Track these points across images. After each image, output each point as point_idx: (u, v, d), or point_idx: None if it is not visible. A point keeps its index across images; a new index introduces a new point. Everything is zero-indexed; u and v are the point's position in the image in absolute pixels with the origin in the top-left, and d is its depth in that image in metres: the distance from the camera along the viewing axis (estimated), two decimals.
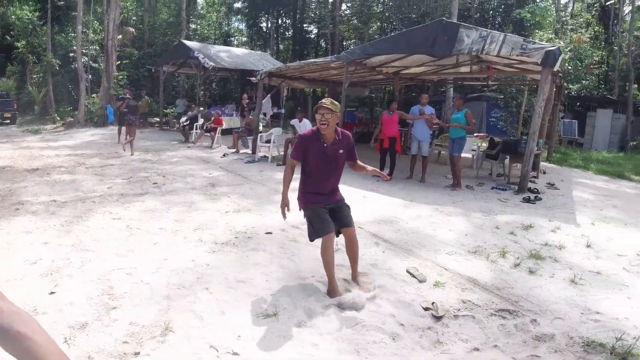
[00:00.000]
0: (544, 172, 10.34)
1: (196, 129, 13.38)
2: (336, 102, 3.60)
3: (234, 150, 11.51)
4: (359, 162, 3.83)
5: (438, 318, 3.33)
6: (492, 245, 5.03)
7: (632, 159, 13.84)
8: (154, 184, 7.33)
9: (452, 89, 15.67)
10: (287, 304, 3.35)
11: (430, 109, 8.78)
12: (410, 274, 4.09)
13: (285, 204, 3.63)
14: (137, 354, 2.67)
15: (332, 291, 3.51)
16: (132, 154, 10.67)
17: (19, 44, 22.41)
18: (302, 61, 11.94)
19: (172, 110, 19.30)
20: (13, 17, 22.35)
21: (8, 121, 20.55)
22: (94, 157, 10.50)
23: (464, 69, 10.86)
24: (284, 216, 3.67)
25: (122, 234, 4.82)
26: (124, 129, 12.33)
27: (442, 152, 11.28)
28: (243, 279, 3.69)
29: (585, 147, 17.49)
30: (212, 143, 12.42)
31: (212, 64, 14.94)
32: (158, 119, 18.89)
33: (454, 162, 8.24)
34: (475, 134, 10.69)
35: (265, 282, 3.67)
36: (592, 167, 12.00)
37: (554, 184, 8.95)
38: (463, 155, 8.65)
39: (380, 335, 3.00)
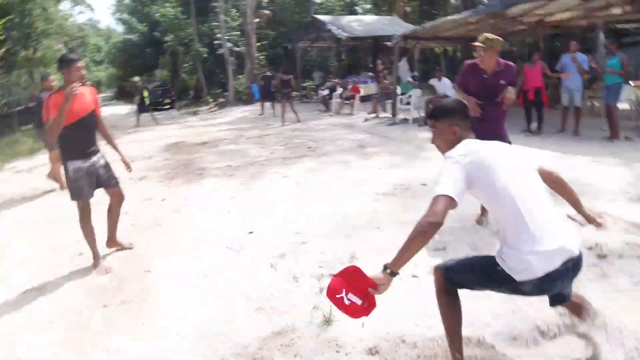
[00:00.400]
0: None
1: (335, 97, 14.07)
2: (492, 37, 3.77)
3: (374, 115, 11.93)
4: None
5: (602, 257, 3.36)
6: None
7: None
8: (308, 148, 8.09)
9: (602, 35, 13.95)
10: (451, 240, 3.67)
11: (583, 56, 8.11)
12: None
13: (473, 103, 3.81)
14: (331, 275, 3.22)
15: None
16: (282, 124, 11.77)
17: (167, 38, 25.52)
18: (437, 20, 11.74)
19: (310, 83, 20.38)
20: (157, 14, 25.48)
21: (168, 107, 23.79)
22: (251, 129, 11.78)
23: (616, 11, 9.63)
24: (476, 112, 3.81)
25: (293, 188, 5.55)
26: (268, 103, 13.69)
27: (595, 103, 10.31)
28: (408, 220, 4.07)
29: None
30: (352, 109, 12.98)
31: (345, 34, 15.41)
32: (297, 93, 20.18)
33: (610, 111, 7.58)
34: (633, 83, 9.57)
35: None
36: None
37: None
38: (620, 106, 7.91)
39: None
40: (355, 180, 5.60)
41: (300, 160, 7.08)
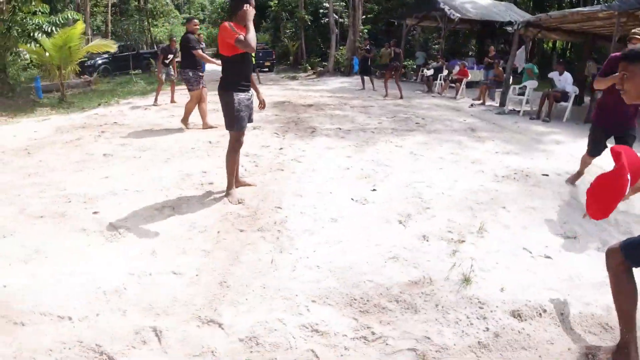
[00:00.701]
0: None
1: (440, 79, 13.78)
2: None
3: (480, 101, 11.58)
4: None
5: None
6: None
7: None
8: (416, 123, 8.09)
9: None
10: (582, 231, 3.60)
11: None
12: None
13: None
14: (462, 241, 3.32)
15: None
16: (385, 97, 11.81)
17: (272, 3, 26.01)
18: (565, 10, 11.00)
19: (411, 63, 20.05)
20: None
21: (267, 69, 24.45)
22: (353, 99, 11.91)
23: None
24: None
25: (409, 158, 5.64)
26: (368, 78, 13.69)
27: None
28: (534, 207, 4.05)
29: None
30: (457, 94, 12.68)
31: (458, 15, 14.90)
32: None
33: None
34: None
35: (555, 213, 3.96)
36: None
37: None
38: None
39: None
40: (472, 160, 5.57)
41: (410, 134, 7.12)
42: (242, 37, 3.55)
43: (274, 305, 2.56)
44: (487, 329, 2.40)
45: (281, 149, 6.10)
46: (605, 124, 4.31)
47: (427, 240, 3.33)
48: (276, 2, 26.33)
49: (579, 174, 4.76)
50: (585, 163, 4.65)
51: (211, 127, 7.26)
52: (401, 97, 11.85)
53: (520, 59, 12.02)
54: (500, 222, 3.69)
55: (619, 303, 2.13)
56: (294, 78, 20.63)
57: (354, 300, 2.63)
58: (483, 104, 11.39)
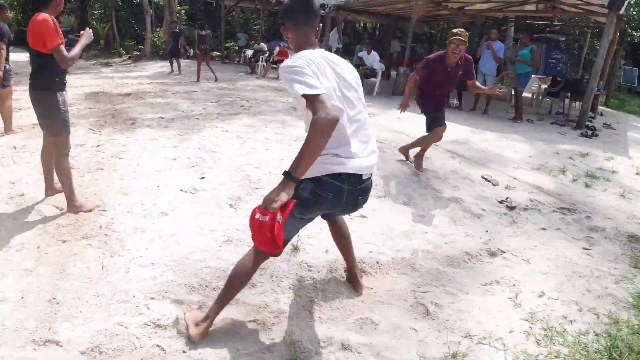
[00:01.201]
0: (601, 114, 10.63)
1: (262, 61, 14.10)
2: (466, 33, 4.46)
3: None
4: (476, 82, 4.71)
5: (511, 208, 4.15)
6: (553, 165, 5.72)
7: None
8: (241, 106, 8.24)
9: (512, 28, 15.55)
10: (390, 191, 4.24)
11: (500, 44, 9.12)
12: (485, 178, 4.88)
13: (404, 105, 4.90)
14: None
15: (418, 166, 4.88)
16: (197, 81, 11.66)
17: None
18: None
19: (232, 44, 19.98)
20: None
21: None
22: (175, 85, 11.49)
23: (529, 7, 10.94)
24: (402, 111, 4.95)
25: (236, 141, 5.77)
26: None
27: (503, 88, 11.62)
28: None
29: None
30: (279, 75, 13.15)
31: None
32: (219, 53, 19.69)
33: (517, 96, 8.73)
34: (533, 76, 10.96)
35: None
36: None
37: (610, 124, 9.30)
38: (524, 94, 9.13)
39: (467, 213, 3.86)
40: (295, 137, 5.96)
41: (236, 117, 7.26)
42: (64, 51, 3.29)
43: (112, 310, 2.50)
44: (316, 287, 2.73)
45: (99, 145, 5.66)
46: (431, 104, 4.86)
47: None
48: None
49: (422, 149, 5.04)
50: (436, 136, 4.82)
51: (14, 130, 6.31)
52: (216, 80, 11.80)
53: (334, 40, 12.99)
54: None
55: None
56: (107, 64, 18.84)
57: (193, 289, 2.71)
58: None
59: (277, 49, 14.08)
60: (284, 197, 1.81)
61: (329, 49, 12.37)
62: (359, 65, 10.96)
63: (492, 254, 3.31)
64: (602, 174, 5.61)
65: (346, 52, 16.78)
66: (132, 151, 5.40)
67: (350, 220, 3.58)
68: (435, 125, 4.72)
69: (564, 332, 2.50)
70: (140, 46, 21.19)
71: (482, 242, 3.50)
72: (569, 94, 9.85)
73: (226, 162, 4.92)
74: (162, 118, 7.26)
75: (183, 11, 21.02)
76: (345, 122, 1.98)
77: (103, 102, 8.90)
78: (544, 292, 2.85)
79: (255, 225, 1.96)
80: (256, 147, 5.50)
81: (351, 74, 2.17)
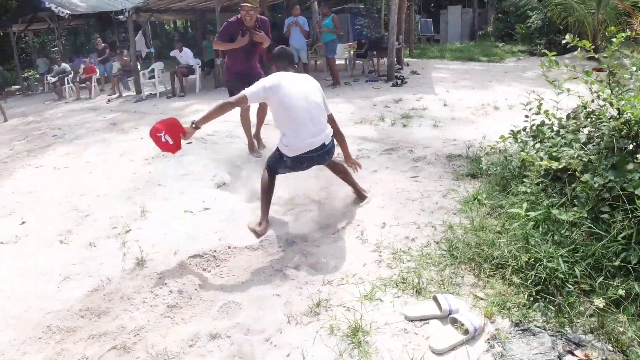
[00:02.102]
0: (407, 65, 11.87)
1: (68, 83, 12.73)
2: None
3: (116, 95, 11.38)
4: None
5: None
6: (372, 116, 6.27)
7: (480, 45, 16.14)
8: (53, 136, 7.36)
9: (316, 3, 16.39)
10: (229, 178, 4.21)
11: (303, 19, 9.55)
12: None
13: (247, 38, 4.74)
14: (128, 230, 3.38)
15: (250, 145, 4.97)
16: (5, 120, 10.13)
17: None
18: None
19: (32, 73, 17.63)
20: None
21: None
22: None
23: None
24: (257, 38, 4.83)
25: (54, 174, 5.15)
26: None
27: (317, 61, 12.27)
28: (186, 173, 4.44)
29: (442, 42, 19.60)
30: (91, 93, 12.05)
31: (67, 11, 13.84)
32: (19, 86, 17.23)
33: (330, 63, 9.30)
34: (345, 44, 11.78)
35: (205, 170, 4.46)
36: (447, 55, 14.01)
37: (416, 71, 10.48)
38: (338, 62, 9.75)
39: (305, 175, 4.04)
40: (120, 152, 5.56)
41: (50, 149, 6.46)
42: None
43: None
44: (171, 291, 2.61)
45: None
46: (236, 78, 4.86)
47: (95, 246, 3.25)
48: None
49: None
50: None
51: None
52: (5, 120, 10.20)
53: (141, 45, 12.27)
54: (160, 197, 3.93)
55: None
56: None
57: (39, 339, 2.39)
58: (120, 96, 11.26)
59: (82, 66, 12.83)
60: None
61: (139, 55, 11.72)
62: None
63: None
64: (415, 112, 6.32)
65: (160, 56, 16.03)
66: None
67: (194, 216, 3.50)
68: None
69: (408, 250, 2.77)
70: None
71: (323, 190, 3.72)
72: (374, 52, 10.80)
73: (47, 198, 4.36)
74: None
75: None
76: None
77: None
78: (385, 223, 3.13)
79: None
80: (78, 175, 4.98)
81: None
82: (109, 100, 10.83)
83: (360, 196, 3.58)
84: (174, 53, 10.58)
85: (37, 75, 17.17)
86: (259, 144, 5.08)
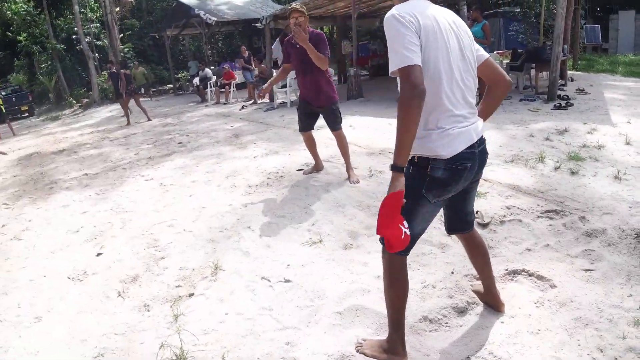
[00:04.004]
0: (572, 80, 9.86)
1: (211, 87, 13.24)
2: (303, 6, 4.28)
3: (251, 101, 11.40)
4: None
5: (484, 225, 3.27)
6: (528, 152, 4.88)
7: None
8: (178, 143, 7.35)
9: (465, 6, 14.87)
10: (330, 230, 3.35)
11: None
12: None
13: (262, 90, 4.69)
14: (191, 295, 2.72)
15: (317, 165, 4.72)
16: (148, 119, 10.75)
17: (20, 37, 22.21)
18: None
19: (184, 74, 19.14)
20: (9, 12, 22.14)
21: (27, 114, 20.58)
22: (117, 130, 10.58)
23: None
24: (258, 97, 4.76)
25: (157, 192, 4.87)
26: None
27: None
28: (283, 214, 3.70)
29: (611, 52, 16.61)
30: (228, 98, 12.32)
31: (214, 18, 14.52)
32: (171, 85, 18.81)
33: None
34: (495, 52, 10.23)
35: (305, 214, 3.67)
36: (620, 70, 11.53)
37: (583, 89, 8.52)
38: None
39: (428, 247, 2.98)
40: (227, 174, 5.08)
41: (168, 159, 6.36)
42: None
43: None
44: None
45: (3, 226, 4.75)
46: (302, 99, 4.60)
47: (148, 310, 2.66)
48: (25, 35, 22.32)
49: (315, 162, 4.76)
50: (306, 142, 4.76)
51: None
52: (148, 120, 10.82)
53: (278, 52, 12.16)
54: (241, 249, 3.21)
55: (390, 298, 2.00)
56: (56, 118, 17.88)
57: None
58: (255, 103, 11.23)
59: (225, 70, 13.24)
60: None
61: (275, 62, 11.56)
62: None
63: (461, 312, 2.39)
64: (588, 152, 4.78)
65: None
66: (36, 227, 4.51)
67: (271, 289, 2.70)
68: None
69: None
70: (90, 92, 20.22)
71: (447, 295, 2.56)
72: (533, 65, 9.08)
73: (136, 224, 4.01)
74: (87, 175, 6.35)
75: (127, 49, 20.11)
76: None
77: (32, 166, 7.99)
78: None
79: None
80: (178, 196, 4.60)
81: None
82: (243, 107, 10.85)
83: (493, 303, 2.34)
84: None
85: (189, 77, 18.49)
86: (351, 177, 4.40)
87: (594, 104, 7.33)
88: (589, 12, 18.41)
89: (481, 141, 1.88)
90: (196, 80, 13.94)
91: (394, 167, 1.66)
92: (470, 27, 8.10)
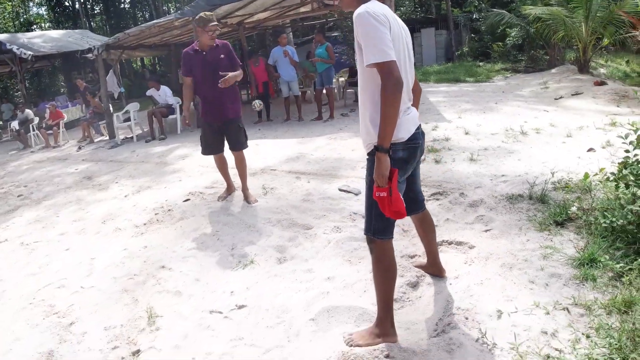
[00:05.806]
0: None
1: (34, 129, 11.56)
2: (210, 15, 4.08)
3: (87, 141, 10.31)
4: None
5: None
6: None
7: (460, 66, 15.75)
8: (18, 196, 6.26)
9: (291, 33, 15.78)
10: (255, 250, 3.28)
11: (292, 49, 8.81)
12: (344, 191, 4.28)
13: (185, 117, 4.51)
14: (137, 352, 2.39)
15: (229, 188, 4.56)
16: None
17: None
18: (141, 25, 10.77)
19: None
20: None
21: None
22: None
23: (305, 9, 10.94)
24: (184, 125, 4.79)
25: (20, 253, 4.09)
26: None
27: (307, 91, 11.47)
28: (195, 246, 3.48)
29: (417, 65, 19.28)
30: (58, 140, 10.95)
31: (30, 52, 12.80)
32: None
33: (328, 94, 8.52)
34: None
35: (217, 242, 3.52)
36: (432, 78, 13.51)
37: None
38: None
39: (353, 242, 3.17)
40: (101, 218, 4.56)
41: (15, 214, 5.38)
42: None
43: None
44: None
45: None
46: (205, 117, 4.28)
47: None
48: None
49: (228, 185, 4.59)
50: (217, 166, 4.52)
51: None
52: None
53: (113, 84, 11.29)
54: (168, 290, 2.94)
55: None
56: None
57: None
58: (92, 142, 10.19)
59: (48, 111, 11.69)
60: (385, 169, 1.89)
61: (110, 96, 10.72)
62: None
63: (414, 286, 2.63)
64: (440, 144, 5.56)
65: (129, 96, 15.00)
66: None
67: (224, 320, 2.55)
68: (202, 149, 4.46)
69: (562, 356, 1.90)
70: None
71: (399, 275, 2.80)
72: None
73: (14, 294, 3.32)
74: None
75: None
76: None
77: None
78: (500, 310, 2.26)
79: (380, 202, 1.96)
80: (51, 252, 3.95)
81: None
82: (79, 148, 9.74)
83: (437, 272, 2.69)
84: (150, 92, 9.61)
85: (1, 122, 15.88)
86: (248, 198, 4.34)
87: (425, 107, 8.47)
88: None
89: (419, 125, 2.23)
90: (15, 125, 12.00)
91: (381, 149, 1.88)
92: (314, 49, 8.71)
